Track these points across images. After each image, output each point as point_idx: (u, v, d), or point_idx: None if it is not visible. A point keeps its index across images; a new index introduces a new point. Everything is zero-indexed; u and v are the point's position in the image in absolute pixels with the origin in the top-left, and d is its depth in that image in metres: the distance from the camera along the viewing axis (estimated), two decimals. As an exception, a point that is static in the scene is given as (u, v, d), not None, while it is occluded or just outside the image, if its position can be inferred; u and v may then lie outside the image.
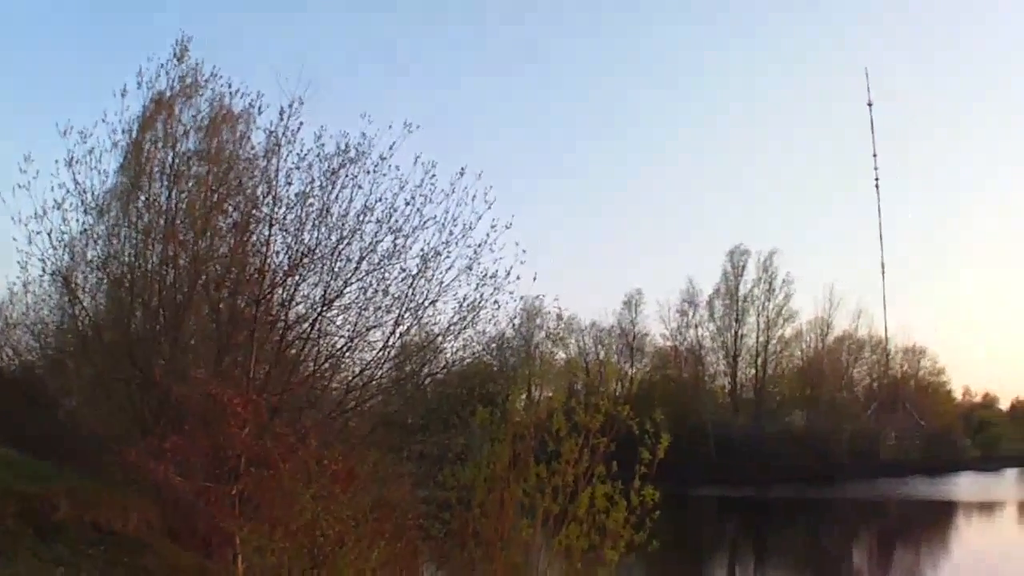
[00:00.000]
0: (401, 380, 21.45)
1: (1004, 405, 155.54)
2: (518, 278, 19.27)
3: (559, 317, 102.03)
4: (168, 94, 21.01)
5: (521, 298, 20.13)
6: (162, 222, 19.99)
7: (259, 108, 19.77)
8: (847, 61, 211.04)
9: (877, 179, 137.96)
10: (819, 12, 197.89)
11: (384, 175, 18.71)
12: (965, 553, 48.41)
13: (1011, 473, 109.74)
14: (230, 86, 20.73)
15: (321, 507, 14.69)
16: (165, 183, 20.37)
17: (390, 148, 18.61)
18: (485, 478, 11.82)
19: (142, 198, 20.47)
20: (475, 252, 19.27)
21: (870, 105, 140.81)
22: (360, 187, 18.58)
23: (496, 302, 19.69)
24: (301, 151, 18.48)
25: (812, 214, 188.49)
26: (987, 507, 73.78)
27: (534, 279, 19.44)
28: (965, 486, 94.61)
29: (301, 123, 18.46)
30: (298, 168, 18.47)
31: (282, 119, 18.36)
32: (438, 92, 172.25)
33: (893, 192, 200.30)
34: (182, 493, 15.69)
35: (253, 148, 20.25)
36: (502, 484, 11.72)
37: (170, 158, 20.58)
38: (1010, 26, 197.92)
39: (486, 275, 19.37)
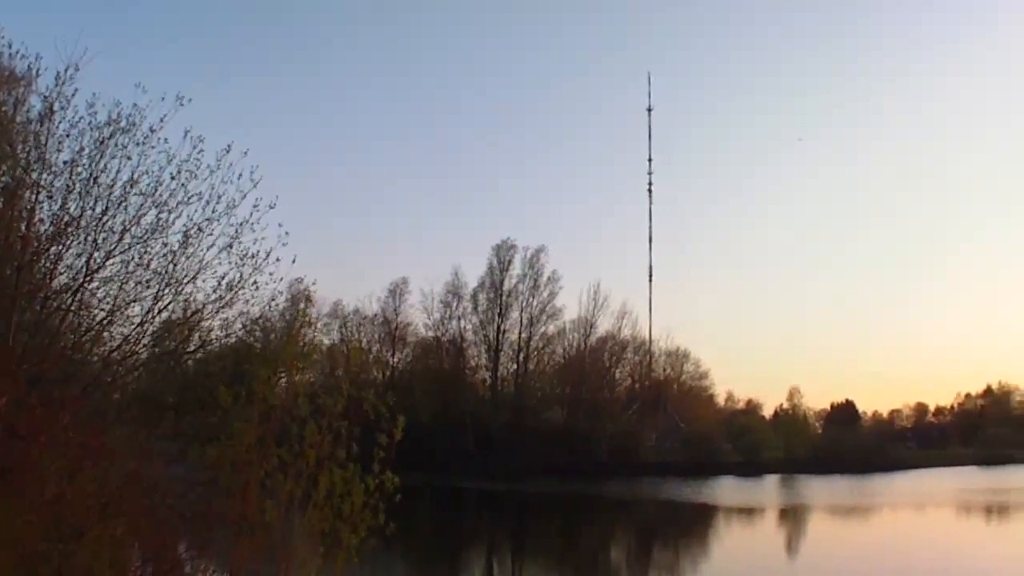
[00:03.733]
0: (160, 356, 22.08)
1: (767, 412, 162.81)
2: (278, 260, 19.82)
3: (309, 300, 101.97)
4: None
5: (281, 279, 20.54)
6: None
7: (37, 71, 19.94)
8: (630, 65, 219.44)
9: (651, 183, 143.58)
10: (603, 13, 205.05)
11: (153, 147, 19.11)
12: (724, 555, 50.85)
13: (772, 479, 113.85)
14: (11, 46, 20.86)
15: (68, 481, 15.21)
16: (-61, 143, 20.12)
17: (161, 120, 19.02)
18: (230, 459, 12.02)
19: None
20: (237, 231, 19.82)
21: (649, 110, 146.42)
22: (129, 158, 18.97)
23: (255, 283, 20.18)
24: (74, 118, 18.64)
25: (584, 214, 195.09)
26: (747, 512, 76.17)
27: (293, 261, 19.88)
28: (725, 490, 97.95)
29: (76, 89, 18.69)
30: (69, 135, 18.66)
31: (58, 84, 18.59)
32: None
33: (665, 197, 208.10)
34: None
35: (28, 111, 20.26)
36: (246, 465, 12.04)
37: (-54, 118, 20.47)
38: (795, 35, 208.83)
39: (247, 255, 19.90)
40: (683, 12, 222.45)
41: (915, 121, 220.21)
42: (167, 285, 20.10)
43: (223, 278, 20.21)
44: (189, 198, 19.61)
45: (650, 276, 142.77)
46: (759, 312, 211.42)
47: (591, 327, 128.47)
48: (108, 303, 19.94)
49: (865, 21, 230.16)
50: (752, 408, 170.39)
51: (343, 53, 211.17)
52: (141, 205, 19.40)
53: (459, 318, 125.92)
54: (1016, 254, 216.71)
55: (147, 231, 19.57)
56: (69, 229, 18.85)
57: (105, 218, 19.09)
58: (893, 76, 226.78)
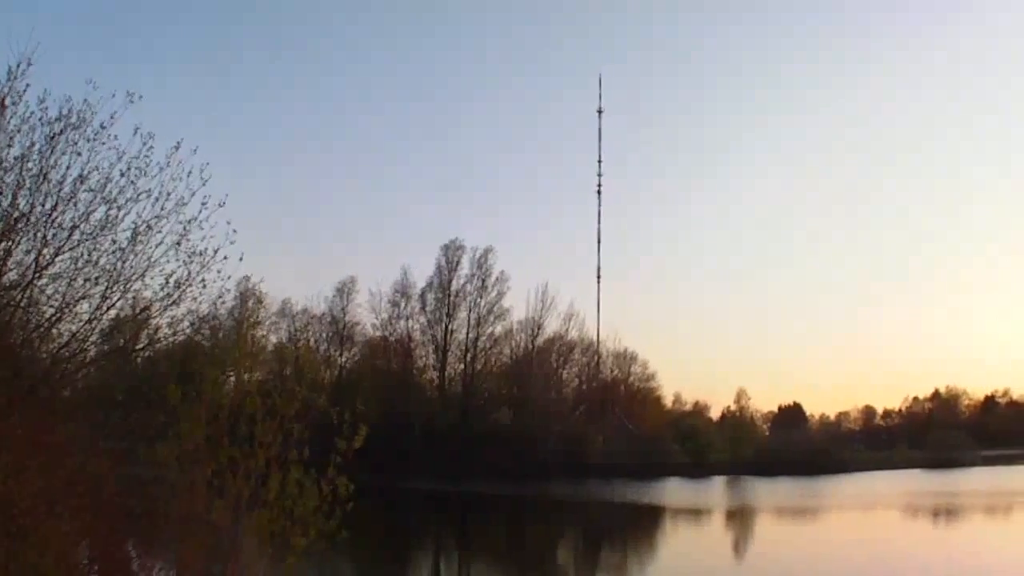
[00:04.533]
0: (109, 354, 22.15)
1: (715, 414, 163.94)
2: (225, 258, 19.93)
3: (259, 300, 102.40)
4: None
5: (229, 277, 20.57)
6: None
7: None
8: (581, 68, 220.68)
9: (600, 185, 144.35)
10: (554, 15, 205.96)
11: (103, 144, 19.21)
12: (670, 556, 51.21)
13: (719, 481, 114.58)
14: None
15: (14, 478, 15.26)
16: None
17: (111, 117, 19.13)
18: (177, 457, 12.09)
19: None
20: (185, 228, 19.88)
21: (600, 112, 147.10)
22: (79, 154, 19.07)
23: (203, 280, 20.26)
24: (25, 113, 18.69)
25: (533, 216, 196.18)
26: (695, 513, 76.55)
27: (241, 259, 20.05)
28: (672, 492, 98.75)
29: (28, 85, 18.68)
30: (19, 131, 18.70)
31: (9, 79, 18.53)
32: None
33: (615, 199, 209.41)
34: None
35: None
36: (194, 464, 12.06)
37: None
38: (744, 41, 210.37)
39: (195, 252, 19.97)
40: (636, 13, 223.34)
41: (865, 123, 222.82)
42: (116, 282, 20.18)
43: (171, 276, 20.27)
44: (138, 195, 19.74)
45: (598, 278, 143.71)
46: (707, 314, 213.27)
47: (539, 328, 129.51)
48: (57, 300, 20.03)
49: (820, 22, 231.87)
50: (699, 410, 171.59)
51: (292, 52, 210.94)
52: (91, 202, 19.55)
53: (407, 318, 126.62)
54: (961, 257, 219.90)
55: (96, 228, 19.69)
56: (19, 225, 18.90)
57: (55, 214, 19.21)
58: (843, 79, 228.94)
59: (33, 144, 18.85)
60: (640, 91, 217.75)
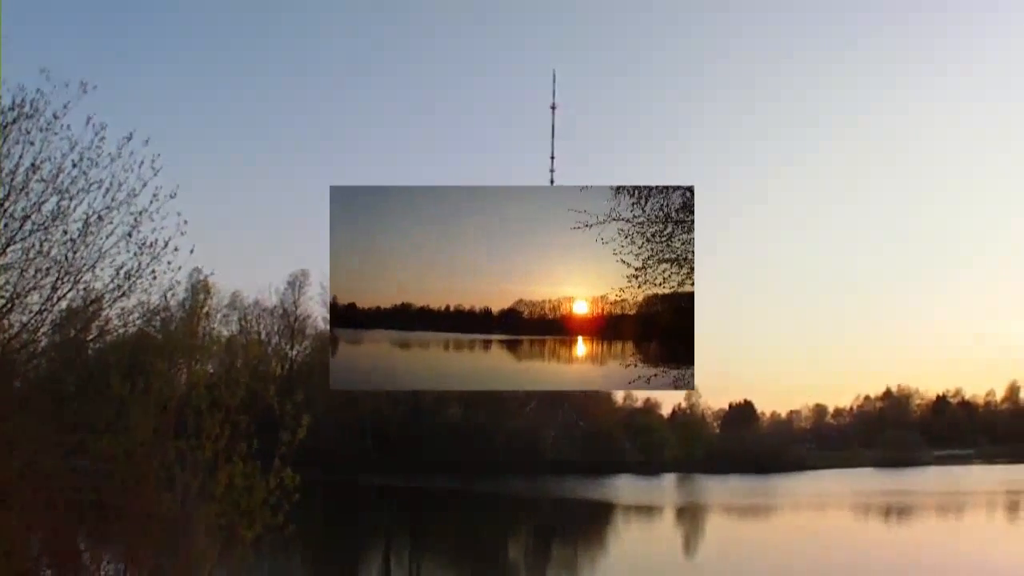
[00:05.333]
0: (60, 345, 22.14)
1: (666, 411, 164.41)
2: (176, 249, 19.71)
3: (207, 291, 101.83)
4: None
5: (179, 268, 20.33)
6: None
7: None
8: (534, 63, 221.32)
9: (552, 181, 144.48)
10: (508, 13, 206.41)
11: (55, 134, 19.11)
12: (622, 553, 51.60)
13: (670, 478, 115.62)
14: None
15: None
16: None
17: (64, 106, 19.05)
18: (126, 450, 12.29)
19: None
20: (136, 219, 19.71)
21: (553, 108, 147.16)
22: (31, 144, 18.99)
23: (153, 272, 20.08)
24: None
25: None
26: (646, 510, 77.59)
27: (192, 251, 19.78)
28: (624, 489, 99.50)
29: None
30: None
31: None
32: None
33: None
34: None
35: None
36: (141, 457, 12.25)
37: None
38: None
39: (145, 243, 19.79)
40: (591, 11, 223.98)
41: (841, 123, 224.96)
42: (67, 273, 20.03)
43: (121, 267, 20.16)
44: (90, 186, 19.61)
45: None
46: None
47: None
48: (8, 290, 19.90)
49: (791, 19, 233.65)
50: (650, 407, 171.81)
51: (244, 40, 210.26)
52: (42, 192, 19.43)
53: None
54: (912, 257, 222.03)
55: (48, 218, 19.60)
56: (-30, 216, 18.79)
57: (7, 204, 19.14)
58: (803, 79, 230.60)
59: (-15, 134, 18.70)
60: (594, 88, 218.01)
